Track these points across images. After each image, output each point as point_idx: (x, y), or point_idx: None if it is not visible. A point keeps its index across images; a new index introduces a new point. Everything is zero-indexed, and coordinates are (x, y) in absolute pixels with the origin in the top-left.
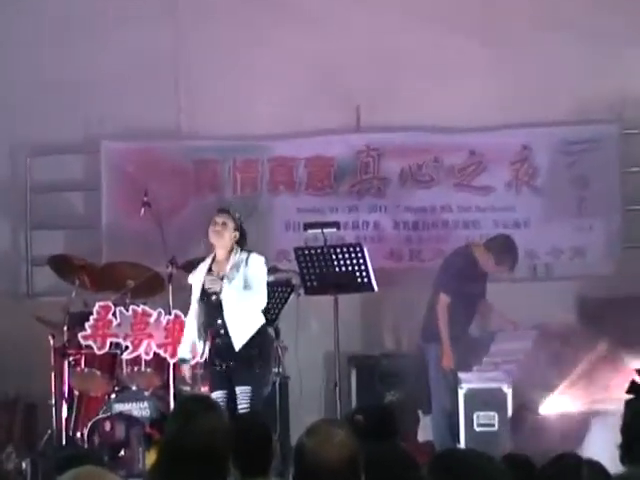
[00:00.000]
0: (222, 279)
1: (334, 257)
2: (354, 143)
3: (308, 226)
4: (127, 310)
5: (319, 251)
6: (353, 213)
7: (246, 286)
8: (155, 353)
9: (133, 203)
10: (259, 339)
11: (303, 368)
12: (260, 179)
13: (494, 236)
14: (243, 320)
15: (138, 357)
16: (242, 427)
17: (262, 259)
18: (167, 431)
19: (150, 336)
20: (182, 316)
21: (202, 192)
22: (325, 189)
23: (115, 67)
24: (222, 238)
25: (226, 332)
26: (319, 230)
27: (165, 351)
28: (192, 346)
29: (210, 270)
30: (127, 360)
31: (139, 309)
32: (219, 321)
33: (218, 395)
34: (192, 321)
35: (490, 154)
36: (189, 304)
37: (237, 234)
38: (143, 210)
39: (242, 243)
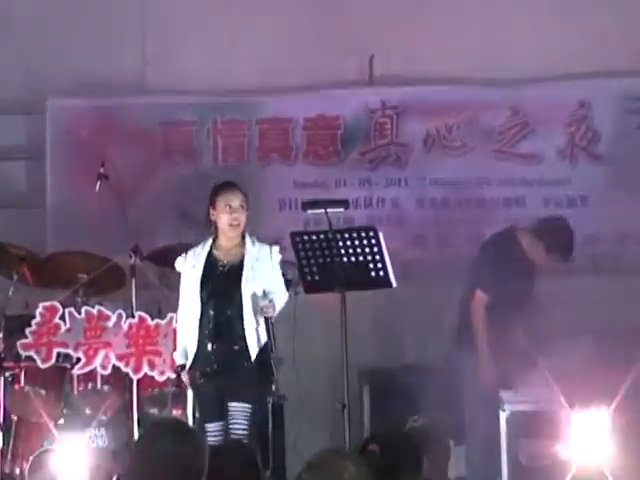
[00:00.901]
0: (229, 271)
1: (341, 244)
2: (366, 99)
3: (308, 205)
4: (79, 312)
5: (322, 237)
6: (365, 188)
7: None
8: (114, 367)
9: (86, 176)
10: (265, 348)
11: (302, 385)
12: (247, 145)
13: (544, 218)
14: (260, 323)
15: (93, 372)
16: (225, 461)
17: (279, 251)
18: (129, 465)
19: (108, 345)
20: (148, 319)
21: (174, 162)
22: (330, 157)
23: (66, 4)
24: (240, 227)
25: (241, 336)
26: (322, 210)
27: (127, 364)
28: (184, 352)
29: (211, 257)
30: (79, 376)
31: (94, 311)
32: (234, 323)
33: (214, 429)
34: (186, 322)
35: (538, 113)
36: (157, 303)
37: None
38: (99, 185)
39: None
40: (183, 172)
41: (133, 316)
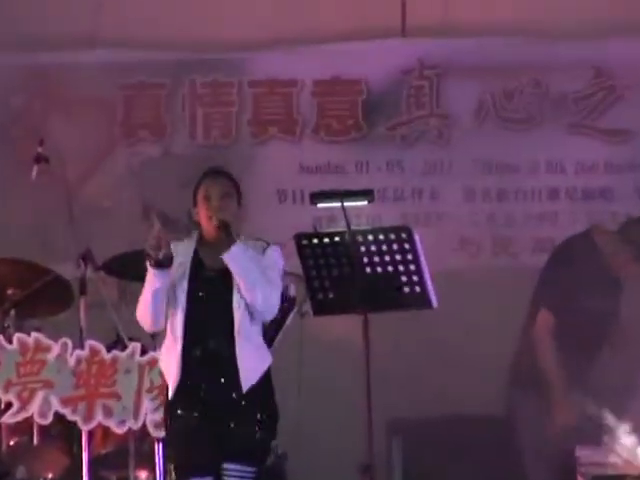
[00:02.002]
0: (219, 276)
1: (363, 250)
2: (398, 56)
3: (318, 197)
4: (9, 341)
5: (337, 240)
6: (396, 174)
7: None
8: (57, 415)
9: (19, 158)
10: (264, 382)
11: (310, 438)
12: (236, 116)
13: (637, 218)
14: (257, 344)
15: (28, 422)
16: None
17: (279, 253)
18: None
19: (48, 385)
20: (103, 350)
21: (137, 140)
22: (348, 133)
23: None
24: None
25: (230, 362)
26: (337, 204)
27: (74, 411)
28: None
29: (196, 260)
30: (9, 426)
31: (29, 339)
32: (221, 345)
33: None
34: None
35: (628, 74)
36: (114, 329)
37: (241, 207)
38: (36, 169)
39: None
40: (149, 153)
41: (82, 346)
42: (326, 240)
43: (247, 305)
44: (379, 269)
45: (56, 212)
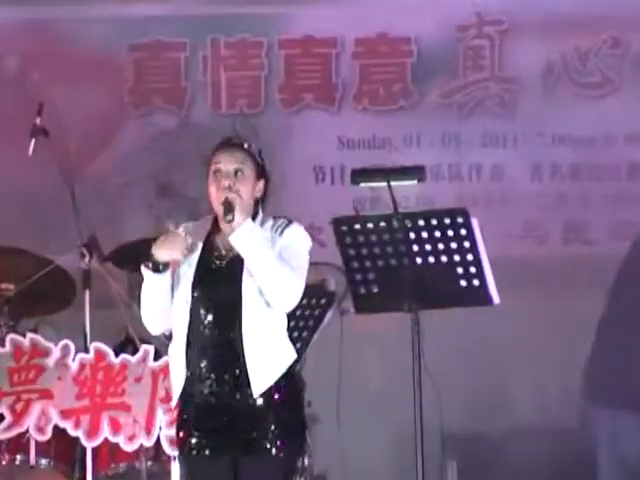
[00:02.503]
0: (227, 266)
1: (413, 237)
2: (453, 10)
3: (361, 175)
4: (1, 343)
5: (383, 226)
6: (451, 148)
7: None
8: (57, 429)
9: (14, 130)
10: (289, 386)
11: (351, 456)
12: (265, 81)
13: None
14: (271, 342)
15: (24, 437)
16: None
17: (303, 231)
18: None
19: (47, 395)
20: (110, 354)
21: (151, 108)
22: (395, 101)
23: None
24: (234, 199)
25: (240, 368)
26: (383, 184)
27: (77, 425)
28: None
29: (207, 246)
30: (3, 442)
31: (25, 341)
32: (230, 341)
33: None
34: (181, 346)
35: None
36: (124, 329)
37: (261, 186)
38: (33, 144)
39: (264, 202)
40: (165, 125)
41: (87, 349)
42: (369, 225)
43: (257, 299)
44: (431, 259)
45: (56, 194)
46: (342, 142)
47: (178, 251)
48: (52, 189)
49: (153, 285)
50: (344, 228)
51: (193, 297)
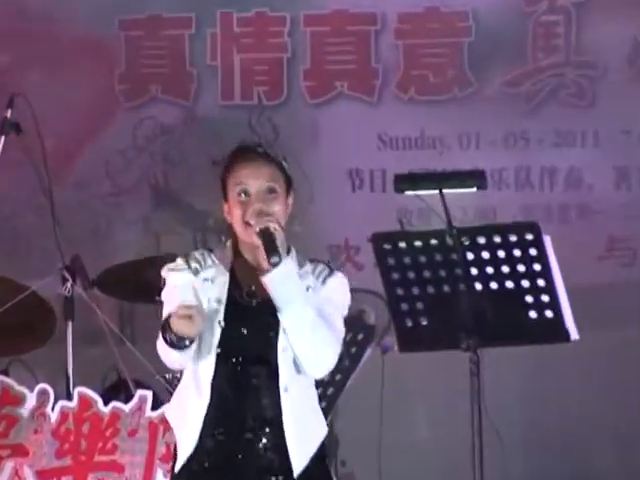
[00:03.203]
0: (263, 305)
1: (472, 258)
2: None
3: (406, 181)
4: None
5: (434, 243)
6: (517, 149)
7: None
8: None
9: None
10: (319, 462)
11: None
12: (288, 65)
13: None
14: (311, 411)
15: None
16: None
17: (347, 284)
18: None
19: (20, 451)
20: (98, 402)
21: (147, 98)
22: (448, 89)
23: None
24: (269, 224)
25: (273, 439)
26: (434, 192)
27: None
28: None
29: (234, 287)
30: None
31: None
32: (262, 413)
33: None
34: (185, 398)
35: None
36: (114, 369)
37: (290, 202)
38: (2, 142)
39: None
40: (165, 120)
41: (69, 395)
42: (418, 243)
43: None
44: (494, 285)
45: (30, 203)
46: (383, 141)
47: (200, 321)
48: (26, 197)
49: (177, 357)
50: (386, 246)
51: (220, 345)
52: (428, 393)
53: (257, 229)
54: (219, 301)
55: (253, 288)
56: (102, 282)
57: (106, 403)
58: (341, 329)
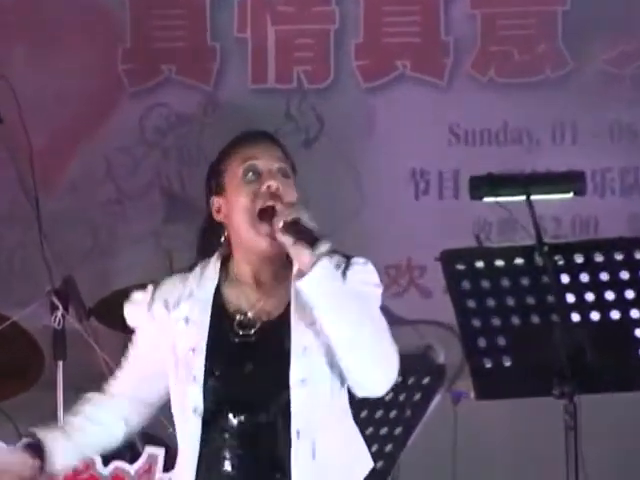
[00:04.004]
0: (261, 340)
1: (568, 281)
2: None
3: (484, 186)
4: None
5: (519, 263)
6: (624, 144)
7: None
8: None
9: None
10: None
11: None
12: (335, 38)
13: None
14: (340, 441)
15: None
16: None
17: (374, 271)
18: None
19: None
20: (96, 461)
21: (158, 81)
22: (538, 70)
23: None
24: (283, 210)
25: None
26: (520, 198)
27: None
28: None
29: (217, 303)
30: None
31: None
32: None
33: None
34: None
35: None
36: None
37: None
38: None
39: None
40: (181, 107)
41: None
42: (499, 263)
43: (330, 375)
44: (595, 316)
45: (12, 214)
46: (455, 134)
47: None
48: (6, 204)
49: None
50: (459, 267)
51: (208, 389)
52: (511, 451)
53: (282, 223)
54: (194, 350)
55: (250, 315)
56: (101, 311)
57: (106, 463)
58: (386, 326)
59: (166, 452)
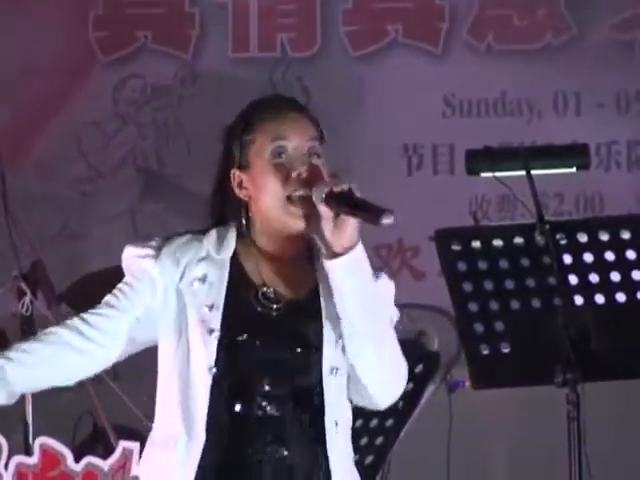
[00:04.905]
0: (284, 318)
1: (570, 261)
2: None
3: (481, 160)
4: None
5: (519, 243)
6: (630, 116)
7: None
8: None
9: None
10: None
11: None
12: (320, 2)
13: None
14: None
15: None
16: None
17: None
18: None
19: None
20: (66, 456)
21: (133, 49)
22: (539, 36)
23: None
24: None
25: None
26: (519, 173)
27: None
28: None
29: (236, 277)
30: None
31: None
32: (294, 451)
33: None
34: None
35: None
36: (88, 414)
37: None
38: None
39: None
40: (157, 79)
41: (28, 449)
42: (497, 243)
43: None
44: (600, 298)
45: None
46: (451, 105)
47: None
48: None
49: None
50: (455, 247)
51: (223, 367)
52: (509, 442)
53: (324, 195)
54: (211, 308)
55: (271, 289)
56: (73, 297)
57: (78, 459)
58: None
59: (141, 446)
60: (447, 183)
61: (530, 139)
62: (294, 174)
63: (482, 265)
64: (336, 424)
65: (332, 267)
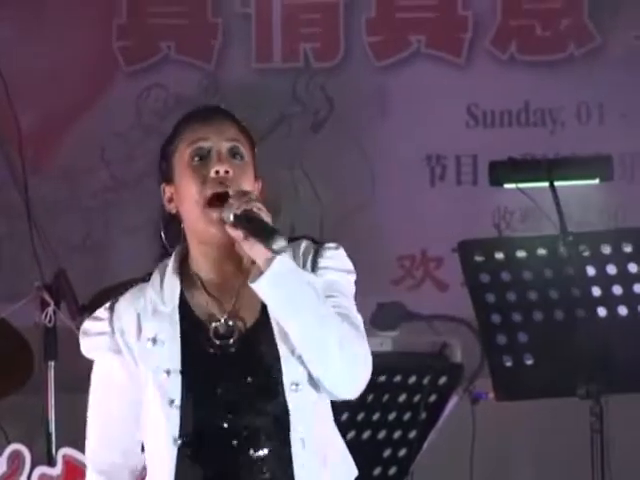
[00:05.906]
0: (242, 349)
1: (593, 273)
2: None
3: (504, 171)
4: None
5: (543, 254)
6: None
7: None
8: None
9: None
10: None
11: None
12: (344, 12)
13: None
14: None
15: None
16: None
17: (345, 255)
18: None
19: None
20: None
21: (156, 60)
22: (563, 46)
23: None
24: (236, 198)
25: None
26: (543, 184)
27: None
28: None
29: (187, 318)
30: None
31: None
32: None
33: None
34: None
35: None
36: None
37: (259, 186)
38: None
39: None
40: (180, 88)
41: (51, 459)
42: (521, 254)
43: (310, 379)
44: (623, 310)
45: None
46: (474, 116)
47: None
48: None
49: None
50: (478, 258)
51: (184, 436)
52: (533, 456)
53: (232, 216)
54: (169, 373)
55: (223, 321)
56: (95, 307)
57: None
58: (361, 319)
59: None
60: (470, 194)
61: (553, 149)
62: (212, 172)
63: (505, 276)
64: (302, 441)
65: (256, 288)
